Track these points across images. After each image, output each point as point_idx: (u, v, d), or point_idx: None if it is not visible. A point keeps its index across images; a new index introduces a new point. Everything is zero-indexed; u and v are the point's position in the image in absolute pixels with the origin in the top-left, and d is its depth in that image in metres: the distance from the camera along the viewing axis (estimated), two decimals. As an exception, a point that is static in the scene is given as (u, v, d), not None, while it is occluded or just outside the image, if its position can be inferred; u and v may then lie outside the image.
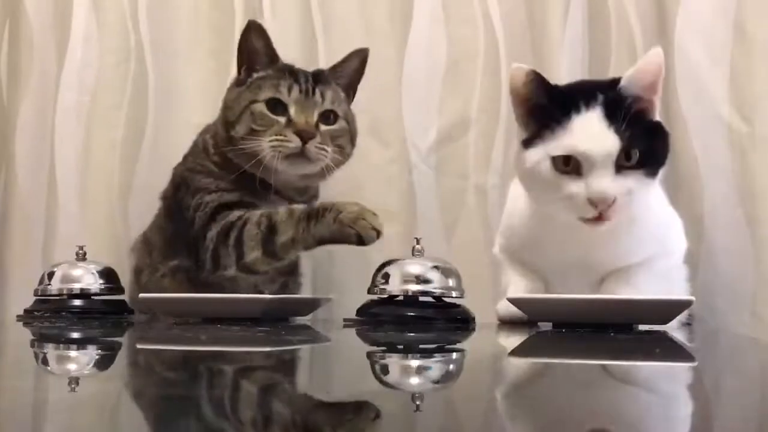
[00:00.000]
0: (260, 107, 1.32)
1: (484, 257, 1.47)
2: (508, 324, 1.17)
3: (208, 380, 0.68)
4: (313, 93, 1.34)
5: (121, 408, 0.54)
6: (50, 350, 0.94)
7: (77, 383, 0.66)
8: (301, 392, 0.63)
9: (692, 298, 1.10)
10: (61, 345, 1.01)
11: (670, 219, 1.20)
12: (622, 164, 1.03)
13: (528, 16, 1.54)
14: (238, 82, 1.38)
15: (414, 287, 1.17)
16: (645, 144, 1.04)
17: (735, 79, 1.44)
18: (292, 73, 1.36)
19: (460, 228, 1.55)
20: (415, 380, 0.70)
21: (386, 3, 1.61)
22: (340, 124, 1.36)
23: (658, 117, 1.09)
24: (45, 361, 0.83)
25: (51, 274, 1.30)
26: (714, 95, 1.45)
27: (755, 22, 1.44)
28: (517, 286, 1.18)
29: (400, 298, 1.18)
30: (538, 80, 1.06)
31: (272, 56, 1.36)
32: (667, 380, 0.73)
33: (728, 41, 1.45)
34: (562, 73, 1.49)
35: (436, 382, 0.69)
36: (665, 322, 1.07)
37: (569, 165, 1.04)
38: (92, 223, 1.63)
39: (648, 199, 1.10)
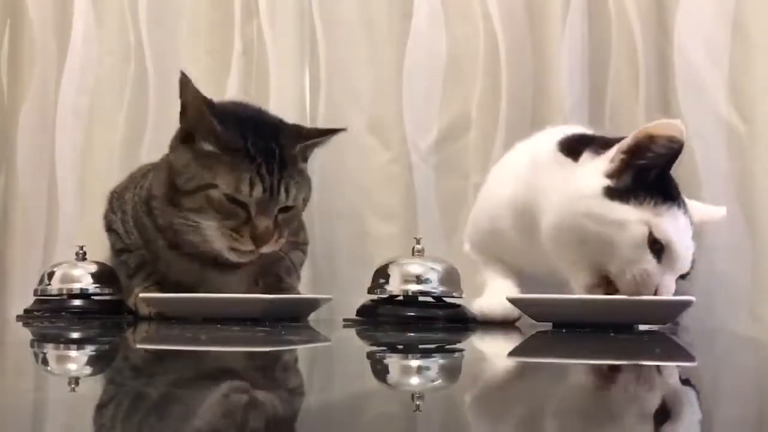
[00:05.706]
0: (218, 195, 1.20)
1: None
2: (489, 323, 1.18)
3: (207, 380, 0.68)
4: (278, 191, 1.21)
5: (121, 408, 0.54)
6: (50, 350, 0.94)
7: (77, 383, 0.66)
8: (300, 392, 0.63)
9: (692, 298, 1.10)
10: (61, 345, 1.01)
11: None
12: None
13: (528, 15, 1.54)
14: (184, 138, 1.24)
15: (414, 287, 1.17)
16: None
17: (734, 79, 1.44)
18: (252, 158, 1.20)
19: (460, 228, 1.54)
20: (415, 380, 0.70)
21: (386, 2, 1.61)
22: (296, 210, 1.27)
23: None
24: (45, 361, 0.83)
25: (51, 274, 1.30)
26: (713, 95, 1.45)
27: (754, 23, 1.44)
28: (497, 285, 1.20)
29: (400, 298, 1.18)
30: (677, 149, 1.03)
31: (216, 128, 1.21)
32: (667, 380, 0.73)
33: (727, 41, 1.45)
34: (562, 72, 1.49)
35: (436, 382, 0.69)
36: (665, 322, 1.08)
37: (656, 248, 1.03)
38: (92, 223, 1.63)
39: None
